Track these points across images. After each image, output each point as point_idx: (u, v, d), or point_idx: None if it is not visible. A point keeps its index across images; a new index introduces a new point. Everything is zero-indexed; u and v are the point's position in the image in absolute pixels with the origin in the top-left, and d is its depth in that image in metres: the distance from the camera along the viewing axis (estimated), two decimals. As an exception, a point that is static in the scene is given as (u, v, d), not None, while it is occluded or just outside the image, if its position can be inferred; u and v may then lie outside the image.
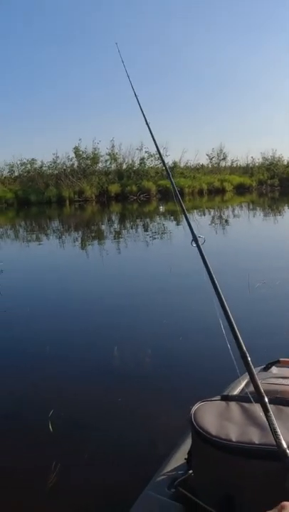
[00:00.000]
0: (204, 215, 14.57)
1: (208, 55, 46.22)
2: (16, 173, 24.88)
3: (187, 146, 43.55)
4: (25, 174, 24.17)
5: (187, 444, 1.37)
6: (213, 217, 13.63)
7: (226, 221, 12.48)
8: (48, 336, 3.78)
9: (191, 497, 1.22)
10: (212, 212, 15.23)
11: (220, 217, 13.78)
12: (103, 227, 12.80)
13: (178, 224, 12.04)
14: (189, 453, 1.32)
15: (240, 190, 24.34)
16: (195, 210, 15.66)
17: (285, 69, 48.74)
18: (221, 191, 23.56)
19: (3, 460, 2.13)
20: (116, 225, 13.10)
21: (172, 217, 13.75)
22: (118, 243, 9.24)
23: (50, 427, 2.36)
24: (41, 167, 24.31)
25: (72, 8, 42.94)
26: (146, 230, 11.20)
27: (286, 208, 16.67)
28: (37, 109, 40.64)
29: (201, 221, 12.57)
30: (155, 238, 9.56)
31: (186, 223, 1.65)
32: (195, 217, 13.79)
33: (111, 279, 6.01)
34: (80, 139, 23.94)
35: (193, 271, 5.62)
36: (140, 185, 21.99)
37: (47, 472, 1.99)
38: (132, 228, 12.05)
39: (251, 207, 17.18)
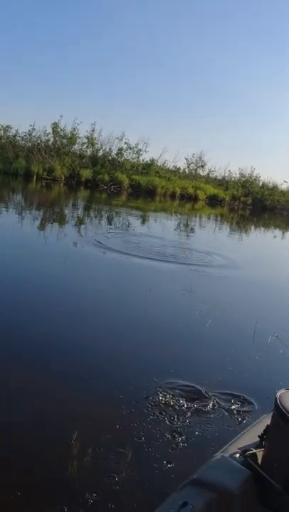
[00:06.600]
0: (171, 220, 14.18)
1: (203, 64, 45.86)
2: (-14, 138, 23.38)
3: (169, 146, 43.07)
4: (-4, 140, 22.76)
5: (261, 425, 1.54)
6: (179, 224, 13.25)
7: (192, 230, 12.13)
8: None
9: (257, 468, 1.37)
10: (179, 219, 14.86)
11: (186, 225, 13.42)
12: (66, 211, 12.08)
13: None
14: (264, 432, 1.47)
15: (213, 201, 24.15)
16: (163, 213, 15.25)
17: (276, 88, 48.87)
18: (194, 198, 23.28)
19: None
20: (80, 212, 12.41)
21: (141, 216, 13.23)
22: (78, 229, 8.62)
23: None
24: (15, 136, 23.01)
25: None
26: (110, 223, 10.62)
27: (252, 228, 16.60)
28: (24, 75, 38.80)
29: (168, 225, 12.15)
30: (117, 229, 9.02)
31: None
32: (162, 221, 13.36)
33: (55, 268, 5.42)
34: (61, 116, 23.01)
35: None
36: (113, 176, 21.28)
37: None
38: (95, 217, 11.43)
39: (219, 220, 16.99)
